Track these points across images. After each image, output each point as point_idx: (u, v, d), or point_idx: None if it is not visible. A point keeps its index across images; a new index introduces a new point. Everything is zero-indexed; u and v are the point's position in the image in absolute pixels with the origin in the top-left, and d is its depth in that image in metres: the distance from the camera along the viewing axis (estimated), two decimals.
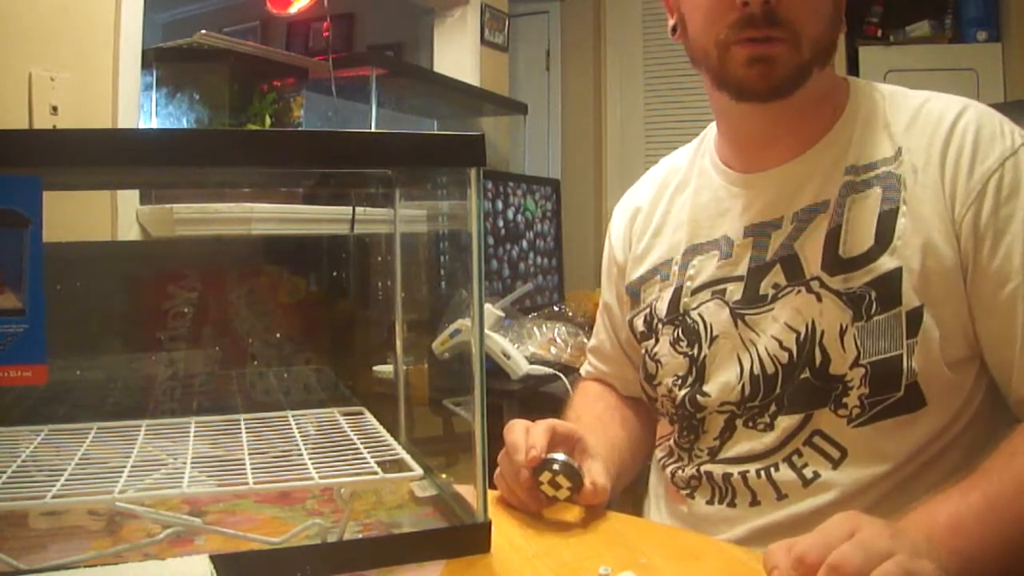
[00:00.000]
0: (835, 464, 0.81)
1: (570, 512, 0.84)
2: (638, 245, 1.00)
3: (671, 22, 0.90)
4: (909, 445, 0.79)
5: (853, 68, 3.23)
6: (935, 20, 3.21)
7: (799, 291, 0.82)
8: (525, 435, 0.83)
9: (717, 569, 0.72)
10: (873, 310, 0.78)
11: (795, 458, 0.83)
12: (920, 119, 0.83)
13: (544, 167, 3.62)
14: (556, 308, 2.45)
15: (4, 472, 0.73)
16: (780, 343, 0.83)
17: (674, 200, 0.97)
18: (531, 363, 1.92)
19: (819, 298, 0.81)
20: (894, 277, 0.78)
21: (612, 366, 1.09)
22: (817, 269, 0.82)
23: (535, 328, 2.12)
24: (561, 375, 1.89)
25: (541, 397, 1.87)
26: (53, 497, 0.67)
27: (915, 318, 0.77)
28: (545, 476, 0.81)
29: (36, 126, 1.44)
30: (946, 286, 0.78)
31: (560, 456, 0.81)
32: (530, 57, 3.71)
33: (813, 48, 0.80)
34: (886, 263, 0.78)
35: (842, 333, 0.79)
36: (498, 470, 0.86)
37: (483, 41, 2.95)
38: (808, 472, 0.82)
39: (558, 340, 2.07)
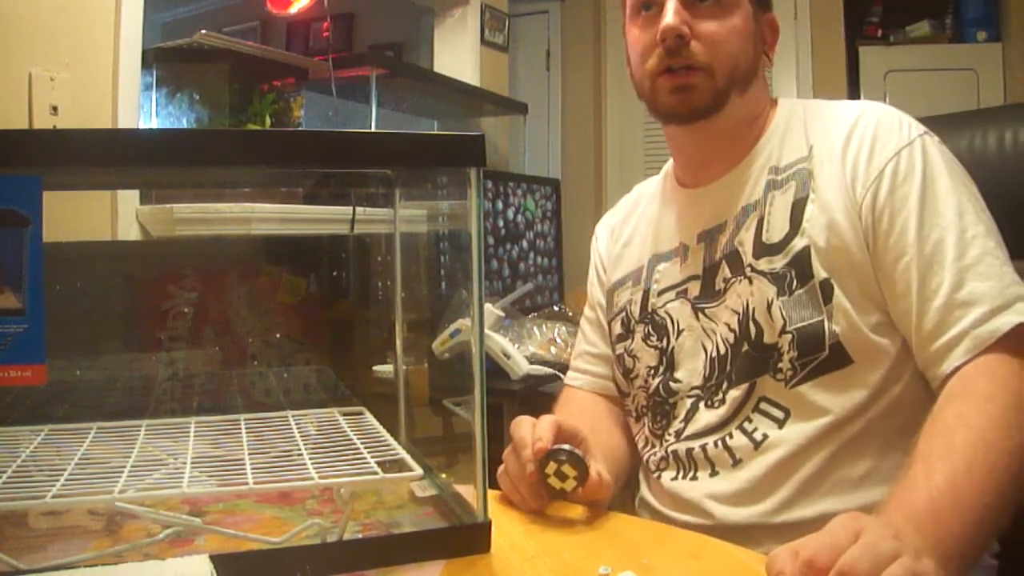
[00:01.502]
0: (780, 424, 0.89)
1: (570, 511, 0.84)
2: (613, 254, 1.11)
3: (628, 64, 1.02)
4: (846, 400, 0.87)
5: (853, 68, 3.23)
6: (935, 20, 3.21)
7: (740, 280, 0.93)
8: (532, 430, 0.85)
9: (717, 569, 0.72)
10: (794, 285, 0.89)
11: (746, 424, 0.91)
12: (830, 120, 0.94)
13: (544, 167, 3.62)
14: (556, 308, 2.45)
15: (4, 472, 0.73)
16: (728, 326, 0.94)
17: (642, 217, 1.10)
18: (531, 363, 1.92)
19: (751, 281, 0.92)
20: (805, 255, 0.88)
21: (606, 365, 1.11)
22: (749, 257, 0.93)
23: (535, 328, 2.12)
24: (561, 375, 1.89)
25: (541, 397, 1.87)
26: (53, 497, 0.67)
27: (827, 288, 0.87)
28: (551, 467, 0.81)
29: (36, 126, 1.44)
30: (849, 260, 0.87)
31: (566, 447, 0.82)
32: (530, 57, 3.71)
33: (727, 76, 0.92)
34: (798, 244, 0.89)
35: (769, 306, 0.90)
36: (502, 467, 0.87)
37: (483, 41, 2.95)
38: (758, 435, 0.90)
39: (558, 340, 2.07)
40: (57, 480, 0.71)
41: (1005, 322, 0.79)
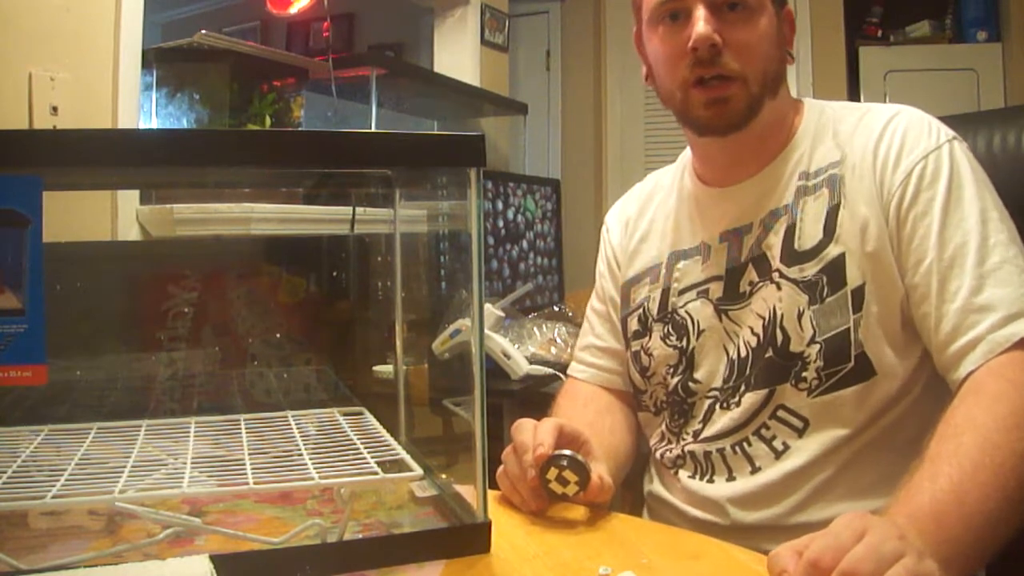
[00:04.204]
0: (800, 433, 0.90)
1: (571, 512, 0.84)
2: (628, 249, 1.09)
3: (644, 70, 1.02)
4: (864, 411, 0.88)
5: (853, 68, 3.23)
6: (935, 20, 3.21)
7: (767, 284, 0.93)
8: (533, 434, 0.84)
9: (717, 569, 0.72)
10: (825, 293, 0.89)
11: (763, 431, 0.92)
12: (860, 125, 0.94)
13: (544, 167, 3.61)
14: (556, 308, 2.45)
15: (4, 472, 0.73)
16: (752, 330, 0.93)
17: (659, 211, 1.08)
18: (531, 363, 1.92)
19: (779, 287, 0.91)
20: (839, 262, 0.88)
21: (611, 359, 1.10)
22: (778, 263, 0.92)
23: (535, 328, 2.12)
24: (561, 375, 1.89)
25: (541, 397, 1.87)
26: (53, 497, 0.67)
27: (859, 295, 0.88)
28: (552, 472, 0.81)
29: (36, 126, 1.44)
30: (880, 264, 0.88)
31: (567, 452, 0.82)
32: (530, 57, 3.71)
33: (760, 82, 0.91)
34: (832, 251, 0.89)
35: (800, 316, 0.90)
36: (501, 468, 0.87)
37: (483, 41, 2.95)
38: (778, 444, 0.91)
39: (558, 340, 2.07)
40: (57, 480, 0.71)
41: (1022, 328, 0.79)
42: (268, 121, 1.94)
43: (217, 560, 0.60)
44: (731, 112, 0.90)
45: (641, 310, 1.04)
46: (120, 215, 1.61)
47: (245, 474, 0.73)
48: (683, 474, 0.98)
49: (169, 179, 1.21)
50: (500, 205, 2.55)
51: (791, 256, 0.91)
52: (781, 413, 0.91)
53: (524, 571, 0.71)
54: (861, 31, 3.27)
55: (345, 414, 0.96)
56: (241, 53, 1.90)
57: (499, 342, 1.89)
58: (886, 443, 0.88)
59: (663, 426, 1.03)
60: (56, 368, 0.67)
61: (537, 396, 1.87)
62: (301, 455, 0.79)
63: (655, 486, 1.04)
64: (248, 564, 0.67)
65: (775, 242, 0.92)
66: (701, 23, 0.87)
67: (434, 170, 0.95)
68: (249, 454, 0.79)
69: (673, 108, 0.95)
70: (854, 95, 3.19)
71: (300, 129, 1.95)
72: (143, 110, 1.71)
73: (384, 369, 1.25)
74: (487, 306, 1.89)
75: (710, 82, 0.90)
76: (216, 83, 1.85)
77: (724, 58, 0.88)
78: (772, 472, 0.91)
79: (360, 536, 0.77)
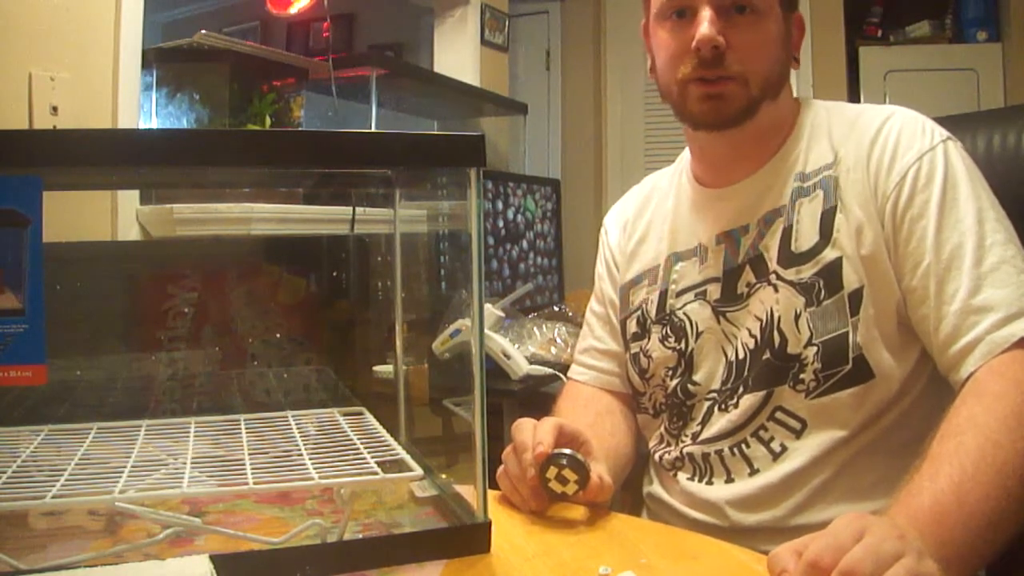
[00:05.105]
0: (798, 434, 0.90)
1: (570, 512, 0.84)
2: (627, 250, 1.09)
3: (649, 62, 1.01)
4: (863, 412, 0.88)
5: (853, 68, 3.23)
6: (935, 20, 3.21)
7: (764, 286, 0.92)
8: (533, 433, 0.85)
9: (716, 569, 0.72)
10: (822, 296, 0.88)
11: (762, 433, 0.92)
12: (855, 127, 0.93)
13: (544, 167, 3.61)
14: (556, 308, 2.45)
15: (4, 472, 0.73)
16: (750, 332, 0.93)
17: (657, 213, 1.08)
18: (531, 363, 1.92)
19: (776, 288, 0.91)
20: (836, 266, 0.88)
21: (612, 362, 1.10)
22: (775, 264, 0.92)
23: (535, 328, 2.12)
24: (561, 375, 1.89)
25: (541, 397, 1.87)
26: (53, 497, 0.67)
27: (856, 298, 0.87)
28: (552, 471, 0.81)
29: (36, 126, 1.44)
30: (876, 268, 0.87)
31: (567, 451, 0.82)
32: (530, 57, 3.71)
33: (761, 86, 0.91)
34: (829, 255, 0.89)
35: (797, 318, 0.89)
36: (501, 468, 0.87)
37: (483, 41, 2.95)
38: (776, 445, 0.91)
39: (558, 340, 2.07)
40: (57, 480, 0.71)
41: (1021, 328, 0.79)
42: (268, 121, 1.94)
43: (217, 560, 0.60)
44: (727, 109, 0.90)
45: (640, 312, 1.04)
46: (120, 215, 1.61)
47: (245, 474, 0.73)
48: (682, 476, 0.98)
49: (169, 179, 1.21)
50: (500, 205, 2.55)
51: (788, 258, 0.91)
52: (779, 415, 0.91)
53: (524, 571, 0.71)
54: (861, 31, 3.27)
55: (345, 414, 0.96)
56: (241, 53, 1.90)
57: (499, 342, 1.89)
58: (884, 445, 0.88)
59: (662, 428, 1.03)
60: (56, 368, 0.67)
61: (537, 396, 1.88)
62: (301, 455, 0.79)
63: (654, 488, 1.04)
64: (248, 564, 0.67)
65: (772, 244, 0.92)
66: (706, 24, 0.87)
67: (434, 170, 0.95)
68: (249, 454, 0.79)
69: (670, 101, 0.96)
70: (854, 95, 3.19)
71: (300, 129, 1.95)
72: (143, 110, 1.71)
73: (384, 369, 1.26)
74: (487, 306, 1.89)
75: (710, 79, 0.90)
76: (216, 83, 1.85)
77: (727, 60, 0.89)
78: (770, 474, 0.91)
79: (360, 536, 0.77)
